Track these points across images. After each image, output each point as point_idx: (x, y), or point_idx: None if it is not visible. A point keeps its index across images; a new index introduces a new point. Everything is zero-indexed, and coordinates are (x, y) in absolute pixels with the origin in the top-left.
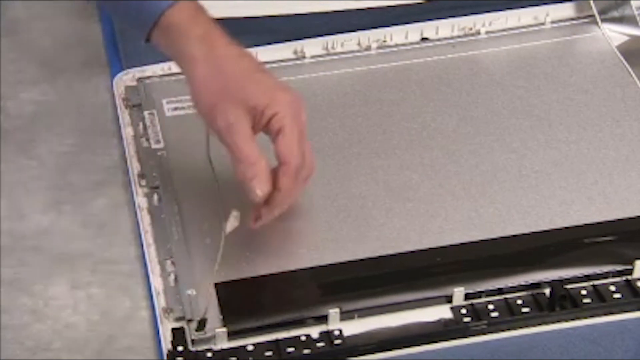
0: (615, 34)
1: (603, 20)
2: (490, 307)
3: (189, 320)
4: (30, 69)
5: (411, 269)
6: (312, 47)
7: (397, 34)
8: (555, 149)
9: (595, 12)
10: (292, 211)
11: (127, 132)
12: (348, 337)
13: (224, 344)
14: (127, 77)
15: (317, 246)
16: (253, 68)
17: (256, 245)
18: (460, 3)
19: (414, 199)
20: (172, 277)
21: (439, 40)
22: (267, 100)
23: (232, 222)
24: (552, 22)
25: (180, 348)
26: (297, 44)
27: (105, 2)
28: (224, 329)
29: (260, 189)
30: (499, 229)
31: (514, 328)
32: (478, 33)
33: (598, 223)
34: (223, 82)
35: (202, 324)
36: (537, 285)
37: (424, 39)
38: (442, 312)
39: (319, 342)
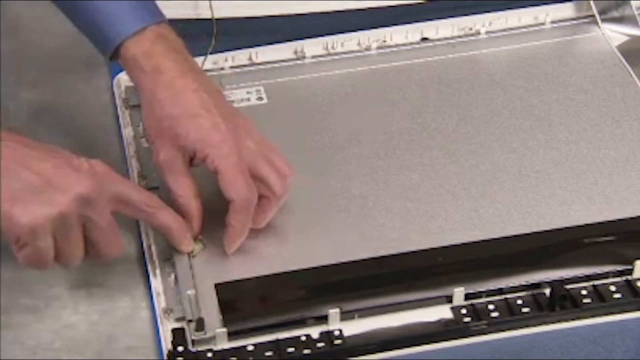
0: (615, 34)
1: (603, 20)
2: (491, 307)
3: (189, 321)
4: (30, 69)
5: (411, 269)
6: (312, 47)
7: (397, 34)
8: (555, 149)
9: (595, 12)
10: (292, 212)
11: (127, 132)
12: (348, 337)
13: (224, 344)
14: (127, 77)
15: (317, 246)
16: (191, 106)
17: (256, 246)
18: (460, 3)
19: (414, 199)
20: (172, 277)
21: (439, 40)
22: (196, 142)
23: (198, 248)
24: (552, 22)
25: (180, 348)
26: (297, 44)
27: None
28: (224, 329)
29: (194, 228)
30: (499, 229)
31: (514, 328)
32: (478, 33)
33: (598, 223)
34: (158, 122)
35: (202, 324)
36: (537, 285)
37: (424, 39)
38: (442, 312)
39: (319, 342)
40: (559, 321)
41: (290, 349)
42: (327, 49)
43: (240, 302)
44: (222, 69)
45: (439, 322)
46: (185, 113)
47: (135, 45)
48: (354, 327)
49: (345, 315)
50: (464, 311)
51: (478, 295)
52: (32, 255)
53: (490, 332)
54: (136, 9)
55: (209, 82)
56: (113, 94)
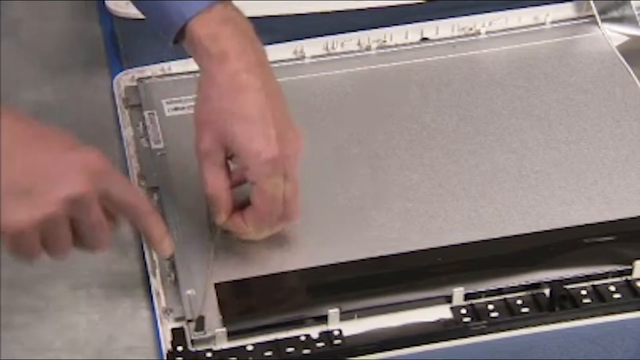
0: (615, 34)
1: (603, 20)
2: (490, 307)
3: (189, 321)
4: (30, 69)
5: (411, 269)
6: (312, 47)
7: (397, 34)
8: (555, 149)
9: (595, 12)
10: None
11: (127, 132)
12: (348, 337)
13: (224, 344)
14: (127, 77)
15: (317, 246)
16: (249, 109)
17: (256, 245)
18: (460, 3)
19: (414, 199)
20: (172, 277)
21: (439, 40)
22: (242, 150)
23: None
24: (552, 22)
25: (180, 348)
26: (297, 44)
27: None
28: (224, 329)
29: (218, 218)
30: (499, 229)
31: (514, 328)
32: (478, 33)
33: (598, 223)
34: (210, 111)
35: (201, 324)
36: (537, 285)
37: (424, 39)
38: (442, 312)
39: (318, 342)
40: (558, 321)
41: (290, 349)
42: (327, 49)
43: (240, 302)
44: None
45: (438, 322)
46: (240, 114)
47: (201, 26)
48: (353, 327)
49: (345, 315)
50: (463, 311)
51: (478, 295)
52: (17, 251)
53: (490, 332)
54: None
55: (273, 78)
56: (113, 94)
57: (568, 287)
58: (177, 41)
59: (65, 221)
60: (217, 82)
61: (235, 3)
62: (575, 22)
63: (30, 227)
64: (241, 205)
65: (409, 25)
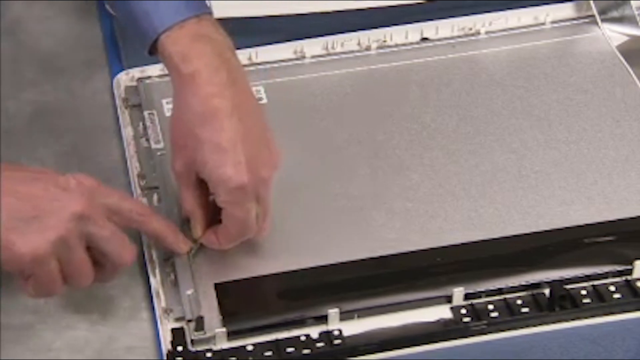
0: (615, 34)
1: (603, 20)
2: (490, 307)
3: (189, 321)
4: (30, 69)
5: (411, 269)
6: (312, 47)
7: (397, 34)
8: (555, 149)
9: (595, 12)
10: (292, 212)
11: (127, 132)
12: (348, 337)
13: (224, 344)
14: (127, 77)
15: (317, 246)
16: (219, 137)
17: (256, 245)
18: (460, 3)
19: (414, 199)
20: (171, 277)
21: (439, 40)
22: (212, 176)
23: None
24: (552, 22)
25: (179, 348)
26: (297, 44)
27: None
28: (224, 329)
29: (194, 232)
30: (499, 229)
31: (514, 328)
32: (478, 33)
33: (598, 223)
34: (183, 134)
35: (201, 324)
36: (537, 285)
37: (424, 39)
38: (442, 312)
39: (318, 342)
40: (558, 321)
41: (290, 349)
42: (327, 49)
43: (240, 302)
44: None
45: (438, 322)
46: (210, 142)
47: (172, 42)
48: (353, 327)
49: (345, 315)
50: (463, 311)
51: (478, 295)
52: (39, 284)
53: (490, 332)
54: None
55: (247, 96)
56: (113, 94)
57: (568, 287)
58: (152, 53)
59: (79, 241)
60: (189, 105)
61: (237, 3)
62: (575, 22)
63: (46, 249)
64: (218, 217)
65: (409, 25)
